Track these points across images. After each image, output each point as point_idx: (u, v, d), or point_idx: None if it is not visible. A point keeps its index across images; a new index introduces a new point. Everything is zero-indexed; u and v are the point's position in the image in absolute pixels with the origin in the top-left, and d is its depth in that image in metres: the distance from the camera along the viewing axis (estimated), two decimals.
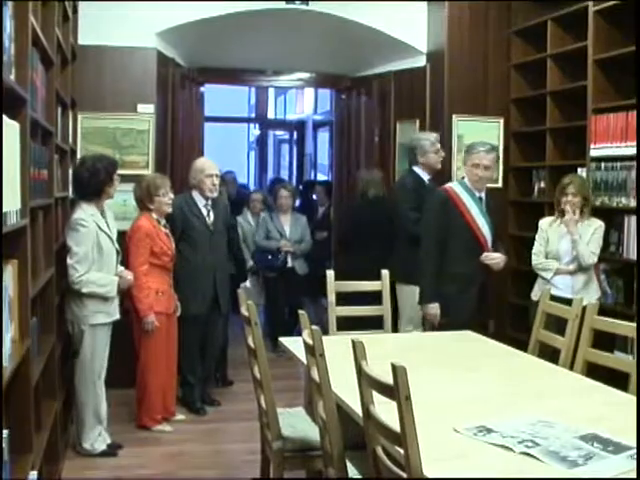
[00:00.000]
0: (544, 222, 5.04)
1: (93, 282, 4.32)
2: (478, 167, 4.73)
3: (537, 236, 5.01)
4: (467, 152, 4.88)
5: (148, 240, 4.75)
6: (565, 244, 4.83)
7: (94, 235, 4.34)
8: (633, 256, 4.78)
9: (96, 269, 4.35)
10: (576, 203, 4.80)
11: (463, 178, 4.91)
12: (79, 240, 4.29)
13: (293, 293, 7.12)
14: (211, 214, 5.37)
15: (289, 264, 7.13)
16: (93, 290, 4.32)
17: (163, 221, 4.93)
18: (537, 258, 4.97)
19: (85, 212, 4.36)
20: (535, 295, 4.89)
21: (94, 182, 4.40)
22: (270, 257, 7.10)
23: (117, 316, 4.51)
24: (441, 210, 4.75)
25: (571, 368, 3.44)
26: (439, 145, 5.61)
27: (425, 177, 5.59)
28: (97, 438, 4.44)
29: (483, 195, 4.82)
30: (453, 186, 4.84)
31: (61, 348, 4.23)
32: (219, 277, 5.37)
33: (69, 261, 4.28)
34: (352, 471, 2.82)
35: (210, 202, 5.36)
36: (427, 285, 4.75)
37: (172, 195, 4.91)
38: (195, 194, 5.35)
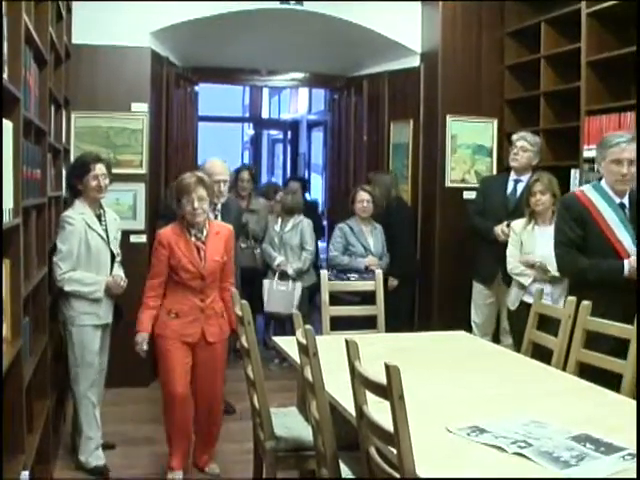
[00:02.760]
0: (517, 225, 4.92)
1: (76, 281, 4.16)
2: (620, 163, 3.84)
3: (510, 239, 4.94)
4: (601, 147, 3.98)
5: (164, 251, 4.04)
6: (541, 250, 4.63)
7: (81, 233, 4.18)
8: None
9: (84, 269, 4.20)
10: (545, 202, 4.71)
11: (600, 180, 4.04)
12: (64, 237, 4.15)
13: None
14: (218, 218, 4.92)
15: None
16: (76, 289, 4.16)
17: (195, 231, 4.10)
18: (513, 262, 4.85)
19: (75, 210, 4.24)
20: (512, 304, 4.87)
21: (68, 178, 4.38)
22: (357, 277, 5.68)
23: (108, 320, 4.33)
24: (569, 218, 4.00)
25: (564, 369, 3.44)
26: (519, 143, 5.37)
27: (512, 176, 5.49)
28: (92, 453, 4.27)
29: (626, 200, 3.94)
30: (586, 191, 4.01)
31: (53, 348, 4.21)
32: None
33: (54, 258, 4.13)
34: (345, 471, 2.82)
35: (220, 205, 5.01)
36: (592, 271, 3.87)
37: (204, 205, 4.04)
38: None
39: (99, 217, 4.35)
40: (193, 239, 4.08)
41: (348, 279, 5.54)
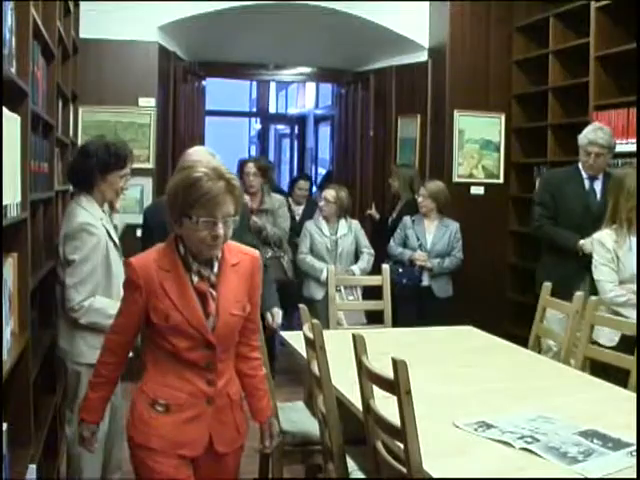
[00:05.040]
0: (607, 238, 3.89)
1: (97, 310, 3.19)
2: None
3: (599, 257, 3.91)
4: None
5: (137, 294, 2.36)
6: None
7: (104, 246, 3.27)
8: None
9: (103, 293, 3.26)
10: None
11: None
12: (85, 253, 3.20)
13: (426, 320, 4.85)
14: None
15: (424, 282, 5.54)
16: (96, 321, 3.19)
17: (200, 265, 2.38)
18: (614, 288, 3.83)
19: (92, 214, 3.30)
20: (609, 340, 3.71)
21: (89, 168, 3.33)
22: (401, 270, 5.47)
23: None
24: None
25: (571, 364, 3.44)
26: (592, 150, 4.52)
27: (584, 174, 4.67)
28: None
29: None
30: None
31: None
32: None
33: (68, 280, 3.21)
34: (352, 466, 2.82)
35: None
36: None
37: (230, 229, 2.34)
38: None
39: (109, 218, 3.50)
40: (196, 279, 2.38)
41: (399, 270, 5.39)
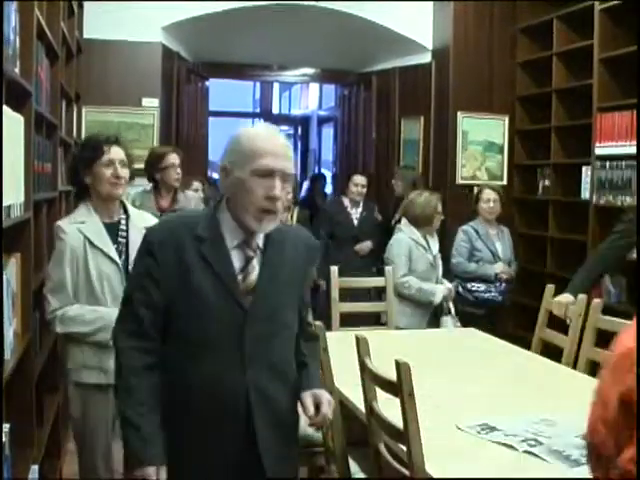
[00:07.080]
0: None
1: (72, 318, 2.83)
2: None
3: None
4: None
5: None
6: None
7: (76, 253, 2.85)
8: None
9: (85, 301, 2.88)
10: None
11: None
12: (54, 259, 2.88)
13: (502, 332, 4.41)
14: (254, 273, 2.09)
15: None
16: (72, 330, 2.86)
17: None
18: None
19: (72, 218, 2.99)
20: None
21: (74, 169, 3.04)
22: (484, 287, 4.90)
23: None
24: None
25: (574, 367, 3.43)
26: None
27: None
28: None
29: None
30: None
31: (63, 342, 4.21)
32: (262, 432, 2.05)
33: (44, 289, 2.92)
34: (354, 468, 2.82)
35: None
36: None
37: None
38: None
39: (115, 226, 3.01)
40: None
41: (481, 288, 4.90)
